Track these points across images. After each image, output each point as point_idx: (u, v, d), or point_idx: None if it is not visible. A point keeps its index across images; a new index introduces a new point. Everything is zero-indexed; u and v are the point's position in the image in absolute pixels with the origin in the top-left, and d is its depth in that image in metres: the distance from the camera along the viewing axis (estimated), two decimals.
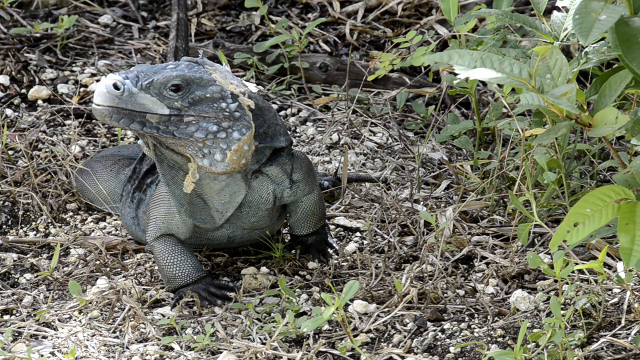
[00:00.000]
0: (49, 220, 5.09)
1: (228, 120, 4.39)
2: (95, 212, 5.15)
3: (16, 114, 5.84)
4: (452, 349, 4.25)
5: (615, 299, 4.41)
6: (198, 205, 4.52)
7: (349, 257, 4.78)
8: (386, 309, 4.44)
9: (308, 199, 4.68)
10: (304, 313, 4.48)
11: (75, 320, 4.45)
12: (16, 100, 5.95)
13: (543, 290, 4.54)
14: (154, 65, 4.43)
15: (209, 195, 4.51)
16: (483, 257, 4.76)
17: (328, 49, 6.43)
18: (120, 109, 4.29)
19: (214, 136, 4.38)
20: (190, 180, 4.46)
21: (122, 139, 5.69)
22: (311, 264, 4.76)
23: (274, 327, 4.31)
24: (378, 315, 4.42)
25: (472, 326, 4.37)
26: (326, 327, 4.37)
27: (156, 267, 4.72)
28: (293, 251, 4.80)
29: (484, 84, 5.81)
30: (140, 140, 4.50)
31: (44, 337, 4.36)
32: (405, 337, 4.33)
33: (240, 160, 4.41)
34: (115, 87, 4.28)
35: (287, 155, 4.58)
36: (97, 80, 6.12)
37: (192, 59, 4.46)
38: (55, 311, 4.49)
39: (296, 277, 4.71)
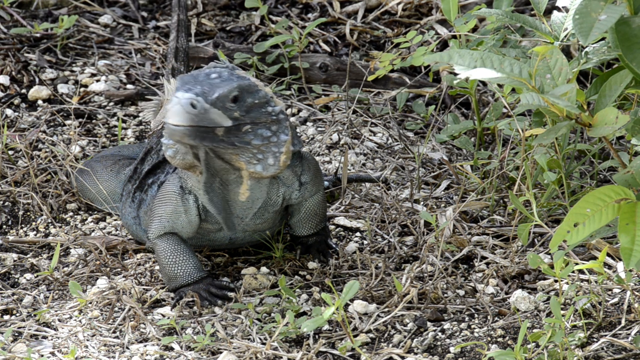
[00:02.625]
0: (49, 220, 5.09)
1: (275, 123, 4.41)
2: (95, 212, 5.15)
3: (16, 114, 5.84)
4: (452, 349, 4.25)
5: (615, 299, 4.41)
6: (226, 211, 4.53)
7: (349, 257, 4.78)
8: (386, 309, 4.44)
9: (312, 199, 4.69)
10: (304, 313, 4.48)
11: (75, 320, 4.45)
12: (16, 100, 5.95)
13: (543, 290, 4.54)
14: (196, 75, 4.38)
15: (233, 202, 4.51)
16: (483, 257, 4.76)
17: (328, 49, 6.43)
18: (198, 127, 4.26)
19: (268, 141, 4.40)
20: (245, 188, 4.47)
21: (122, 139, 5.69)
22: (311, 264, 4.76)
23: (274, 327, 4.31)
24: (378, 315, 4.42)
25: (472, 326, 4.37)
26: (326, 327, 4.37)
27: (156, 267, 4.72)
28: (293, 252, 4.80)
29: (484, 84, 5.81)
30: (181, 150, 4.40)
31: (44, 337, 4.36)
32: (405, 337, 4.33)
33: (287, 161, 4.45)
34: (192, 105, 4.27)
35: (297, 158, 4.59)
36: (97, 81, 6.12)
37: (221, 64, 4.47)
38: (55, 311, 4.49)
39: (296, 277, 4.71)
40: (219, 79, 4.35)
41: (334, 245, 4.81)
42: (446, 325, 4.37)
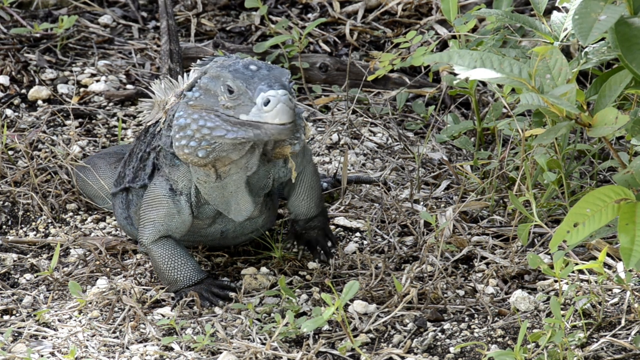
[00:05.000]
0: (49, 221, 5.09)
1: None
2: (95, 212, 5.15)
3: (16, 114, 5.84)
4: (452, 349, 4.25)
5: (615, 299, 4.41)
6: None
7: (349, 257, 4.78)
8: (386, 309, 4.44)
9: (304, 173, 4.63)
10: (304, 313, 4.48)
11: (75, 320, 4.45)
12: (16, 101, 5.95)
13: (543, 290, 4.54)
14: (242, 70, 4.31)
15: (248, 187, 4.49)
16: (483, 257, 4.76)
17: (328, 49, 6.43)
18: (294, 122, 4.24)
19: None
20: (294, 169, 4.44)
21: (122, 139, 5.69)
22: (311, 264, 4.76)
23: (273, 327, 4.30)
24: (378, 316, 4.42)
25: (472, 326, 4.37)
26: (326, 327, 4.37)
27: None
28: (295, 250, 4.79)
29: (484, 84, 5.81)
30: (225, 148, 4.30)
31: (44, 338, 4.36)
32: (405, 337, 4.33)
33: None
34: (290, 101, 4.21)
35: None
36: (97, 81, 6.12)
37: (222, 57, 4.46)
38: (55, 311, 4.49)
39: (296, 277, 4.71)
40: (264, 70, 4.29)
41: (334, 240, 4.79)
42: (446, 326, 4.37)
